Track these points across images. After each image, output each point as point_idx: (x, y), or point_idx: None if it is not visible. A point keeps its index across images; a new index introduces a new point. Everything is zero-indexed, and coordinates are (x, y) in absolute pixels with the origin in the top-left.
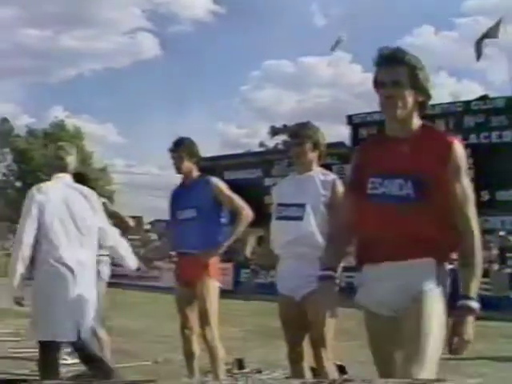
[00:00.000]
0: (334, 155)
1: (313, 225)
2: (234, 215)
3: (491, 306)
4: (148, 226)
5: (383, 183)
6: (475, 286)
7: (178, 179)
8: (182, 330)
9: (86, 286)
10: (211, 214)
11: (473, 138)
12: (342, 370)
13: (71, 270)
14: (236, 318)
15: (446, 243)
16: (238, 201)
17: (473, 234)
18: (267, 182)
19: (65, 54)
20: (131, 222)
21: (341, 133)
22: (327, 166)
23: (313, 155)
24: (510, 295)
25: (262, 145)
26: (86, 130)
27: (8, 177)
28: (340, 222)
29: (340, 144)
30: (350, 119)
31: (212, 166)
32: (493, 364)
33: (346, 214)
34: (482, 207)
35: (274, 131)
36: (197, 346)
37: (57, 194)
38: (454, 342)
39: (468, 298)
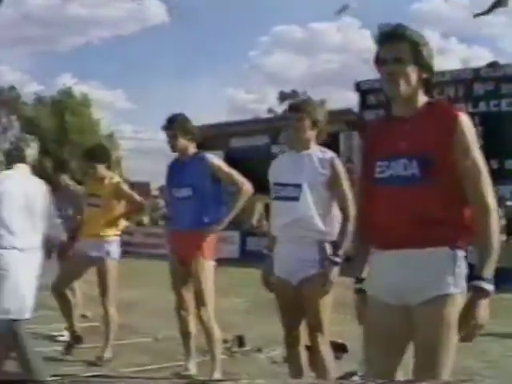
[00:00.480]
0: (341, 122)
1: (310, 206)
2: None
3: (498, 278)
4: (156, 192)
5: (390, 165)
6: (491, 267)
7: None
8: (177, 310)
9: (34, 269)
10: (208, 193)
11: (482, 106)
12: (343, 348)
13: (24, 254)
14: (241, 288)
15: (458, 226)
16: (237, 176)
17: (488, 209)
18: (274, 148)
19: (73, 21)
20: (142, 201)
21: (349, 98)
22: (335, 134)
23: (311, 133)
24: None
25: (270, 111)
26: (94, 97)
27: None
28: (361, 221)
29: (348, 111)
30: (358, 86)
31: (218, 133)
32: (497, 340)
33: (363, 207)
34: (491, 176)
35: (283, 96)
36: (193, 326)
37: (14, 183)
38: (465, 326)
39: (482, 278)
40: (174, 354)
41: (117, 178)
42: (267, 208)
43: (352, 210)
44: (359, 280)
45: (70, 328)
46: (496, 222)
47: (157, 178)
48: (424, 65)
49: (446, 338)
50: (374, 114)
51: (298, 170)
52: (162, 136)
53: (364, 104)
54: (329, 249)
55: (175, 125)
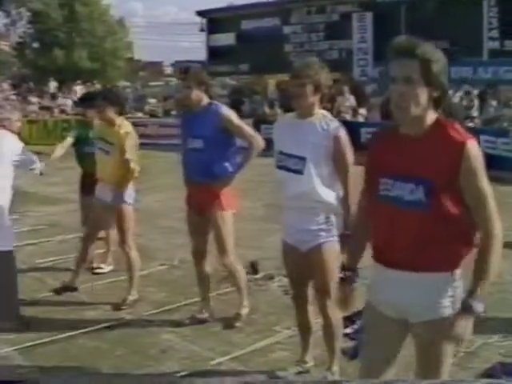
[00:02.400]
0: (354, 3)
1: (314, 180)
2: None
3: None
4: (169, 70)
5: (394, 185)
6: (484, 289)
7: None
8: (194, 254)
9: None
10: (220, 145)
11: None
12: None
13: None
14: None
15: (460, 251)
16: (249, 130)
17: (492, 235)
18: (286, 30)
19: None
20: (135, 173)
21: None
22: (347, 14)
23: (314, 98)
24: None
25: None
26: None
27: (24, 38)
28: (360, 217)
29: None
30: None
31: (230, 15)
32: None
33: (363, 209)
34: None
35: None
36: (208, 270)
37: None
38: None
39: (473, 297)
40: (191, 285)
41: (126, 128)
42: (280, 89)
43: (351, 185)
44: (345, 268)
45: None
46: (498, 248)
47: (170, 56)
48: (435, 83)
49: (443, 356)
50: None
51: (302, 141)
52: (174, 9)
53: None
54: (335, 221)
55: (189, 76)
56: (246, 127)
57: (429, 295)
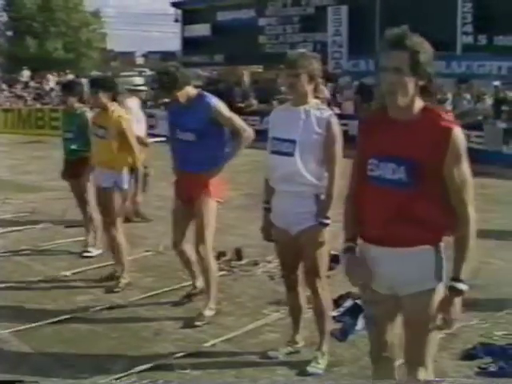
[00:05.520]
0: None
1: (303, 162)
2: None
3: (484, 161)
4: (141, 60)
5: (379, 165)
6: (466, 269)
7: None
8: (174, 245)
9: None
10: (211, 137)
11: None
12: (336, 259)
13: None
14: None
15: (441, 226)
16: (239, 121)
17: (468, 219)
18: (261, 22)
19: None
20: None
21: None
22: (322, 7)
23: (308, 87)
24: (502, 150)
25: None
26: None
27: None
28: (351, 194)
29: None
30: None
31: (206, 6)
32: None
33: (354, 188)
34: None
35: None
36: (193, 254)
37: None
38: (441, 320)
39: (457, 280)
40: (177, 270)
41: (119, 113)
42: (254, 81)
43: (337, 173)
44: (346, 241)
45: None
46: (474, 231)
47: (142, 46)
48: (422, 74)
49: (430, 322)
50: None
51: (295, 126)
52: (147, 1)
53: None
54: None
55: (171, 76)
56: (237, 118)
57: (414, 269)
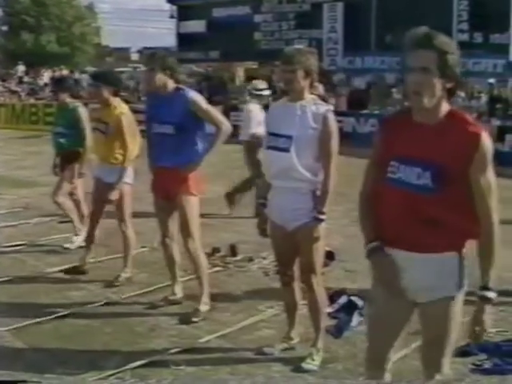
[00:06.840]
0: None
1: (299, 157)
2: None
3: None
4: (136, 56)
5: (400, 168)
6: (493, 276)
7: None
8: (162, 239)
9: None
10: (188, 130)
11: None
12: (331, 256)
13: None
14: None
15: (465, 233)
16: (217, 115)
17: (492, 226)
18: (257, 18)
19: None
20: (133, 154)
21: None
22: (318, 4)
23: (305, 83)
24: (497, 148)
25: None
26: None
27: None
28: (366, 194)
29: None
30: None
31: (201, 3)
32: None
33: (369, 187)
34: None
35: None
36: (177, 253)
37: None
38: (475, 331)
39: (486, 288)
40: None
41: (121, 109)
42: (248, 77)
43: (333, 169)
44: (371, 241)
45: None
46: (498, 237)
47: (137, 42)
48: (449, 75)
49: (450, 329)
50: None
51: (291, 121)
52: None
53: None
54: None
55: (154, 60)
56: (214, 112)
57: (436, 275)
